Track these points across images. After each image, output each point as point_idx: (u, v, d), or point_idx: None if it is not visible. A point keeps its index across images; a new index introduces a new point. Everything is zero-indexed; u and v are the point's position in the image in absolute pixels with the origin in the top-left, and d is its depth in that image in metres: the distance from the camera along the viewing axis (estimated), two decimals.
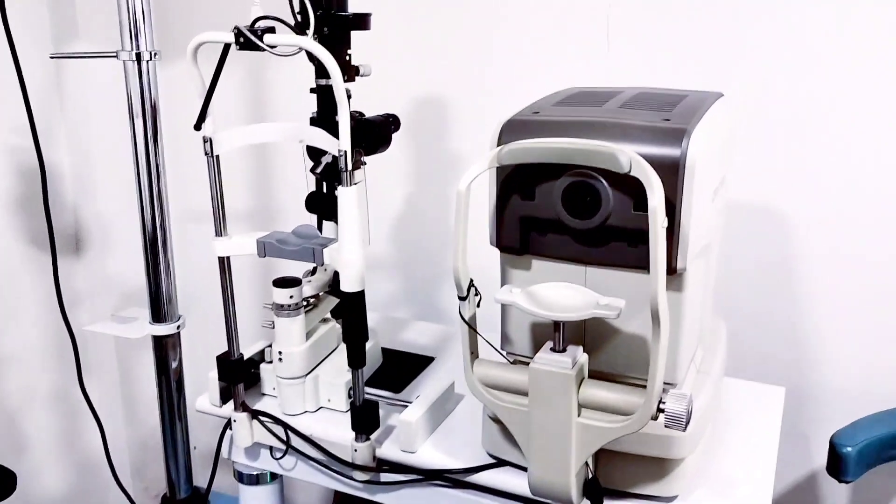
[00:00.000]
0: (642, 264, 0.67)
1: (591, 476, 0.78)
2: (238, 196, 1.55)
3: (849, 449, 1.05)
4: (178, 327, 1.11)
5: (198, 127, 0.86)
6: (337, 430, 0.95)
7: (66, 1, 1.45)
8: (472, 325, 0.78)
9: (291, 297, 0.95)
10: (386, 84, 1.29)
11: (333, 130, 0.81)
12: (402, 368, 1.11)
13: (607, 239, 0.73)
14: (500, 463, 0.87)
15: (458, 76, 1.29)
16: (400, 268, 1.45)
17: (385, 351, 1.14)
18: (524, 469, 0.79)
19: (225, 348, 0.96)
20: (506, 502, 0.87)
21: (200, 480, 1.21)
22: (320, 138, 0.86)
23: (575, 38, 1.19)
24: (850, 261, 1.11)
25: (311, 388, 0.98)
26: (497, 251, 0.80)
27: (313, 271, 1.04)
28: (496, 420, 0.84)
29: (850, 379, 1.16)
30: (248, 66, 1.45)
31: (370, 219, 1.04)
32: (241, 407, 0.97)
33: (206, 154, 0.87)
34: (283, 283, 0.95)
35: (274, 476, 1.05)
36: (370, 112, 0.99)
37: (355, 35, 0.94)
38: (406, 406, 0.94)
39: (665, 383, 0.74)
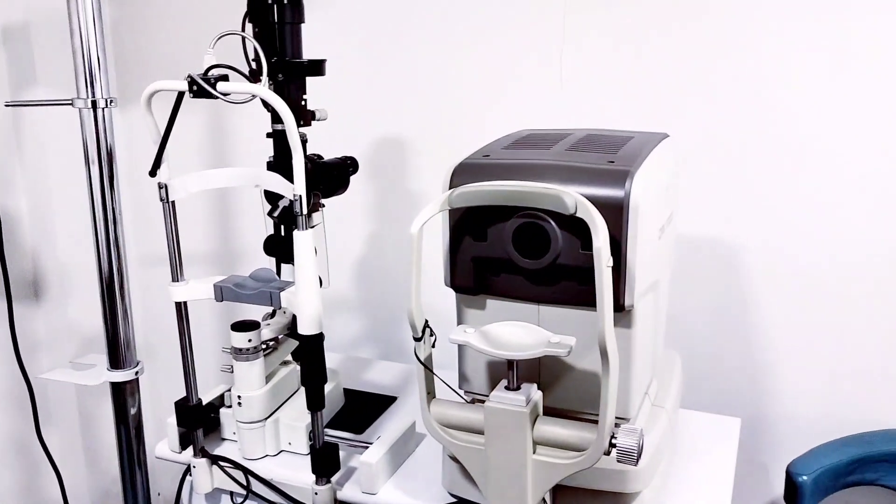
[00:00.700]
0: (592, 302, 0.69)
1: None
2: (202, 238, 1.55)
3: (804, 477, 1.07)
4: (137, 373, 1.10)
5: (153, 173, 0.87)
6: (298, 474, 0.94)
7: (24, 48, 1.45)
8: (427, 366, 0.78)
9: (250, 340, 0.95)
10: (349, 126, 1.31)
11: (289, 175, 0.82)
12: (364, 409, 1.11)
13: (558, 278, 0.75)
14: (460, 502, 0.88)
15: (419, 118, 1.31)
16: (363, 308, 1.45)
17: (347, 391, 1.15)
18: None
19: None
20: None
21: None
22: (276, 183, 0.87)
23: (530, 79, 1.22)
24: (803, 292, 1.14)
25: (271, 432, 0.98)
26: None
27: (273, 314, 1.04)
28: (455, 459, 0.85)
29: (806, 408, 1.19)
30: (211, 111, 1.46)
31: (330, 260, 1.04)
32: (201, 452, 0.97)
33: (161, 200, 0.88)
34: (242, 326, 0.95)
35: None
36: (331, 154, 1.00)
37: (314, 80, 0.96)
38: (367, 447, 0.94)
39: (618, 418, 0.76)
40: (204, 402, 0.99)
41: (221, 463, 0.97)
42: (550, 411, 0.79)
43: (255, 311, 1.01)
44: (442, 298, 0.85)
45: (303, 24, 0.94)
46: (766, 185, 1.13)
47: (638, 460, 0.71)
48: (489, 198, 0.72)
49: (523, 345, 0.73)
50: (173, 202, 0.89)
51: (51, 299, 1.58)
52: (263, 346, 0.98)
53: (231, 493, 0.99)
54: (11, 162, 1.48)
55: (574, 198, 0.68)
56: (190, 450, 0.98)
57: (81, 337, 1.59)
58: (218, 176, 0.91)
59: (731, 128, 1.13)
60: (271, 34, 0.91)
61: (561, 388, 0.80)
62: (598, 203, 0.69)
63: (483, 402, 0.76)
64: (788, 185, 1.12)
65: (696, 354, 1.20)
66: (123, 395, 1.10)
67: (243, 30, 0.90)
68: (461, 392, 0.85)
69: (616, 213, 0.70)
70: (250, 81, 0.85)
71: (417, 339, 0.77)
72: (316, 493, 0.90)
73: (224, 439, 1.03)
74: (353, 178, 1.03)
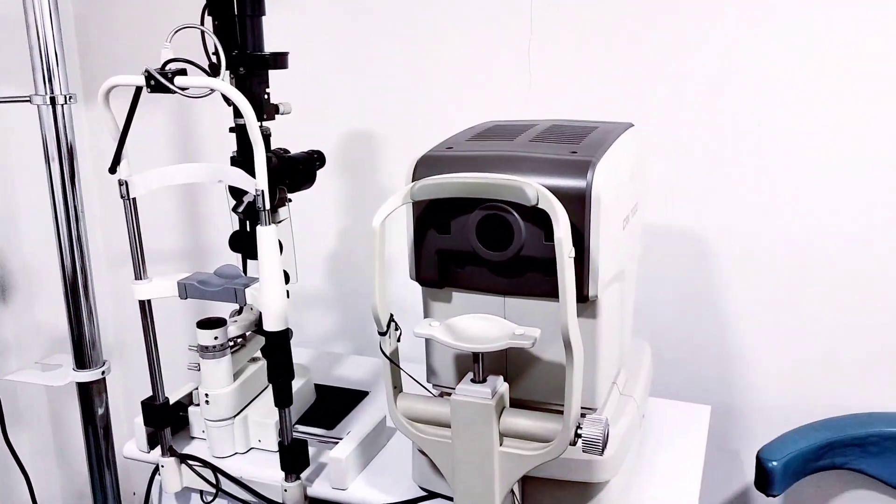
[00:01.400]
0: (557, 293, 0.69)
1: (517, 503, 0.78)
2: (173, 235, 1.53)
3: (774, 463, 1.08)
4: (103, 373, 1.08)
5: (112, 170, 0.86)
6: (267, 471, 0.94)
7: None
8: (393, 360, 0.78)
9: (216, 338, 0.94)
10: (319, 120, 1.30)
11: (253, 170, 0.81)
12: (335, 404, 1.11)
13: (522, 269, 0.75)
14: (430, 495, 0.88)
15: (388, 112, 1.30)
16: (335, 302, 1.45)
17: (318, 387, 1.14)
18: (453, 500, 0.79)
19: None
20: None
21: None
22: (239, 178, 0.86)
23: (499, 72, 1.21)
24: (771, 280, 1.15)
25: (240, 429, 0.97)
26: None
27: (240, 310, 1.03)
28: (425, 452, 0.85)
29: (776, 394, 1.20)
30: (178, 106, 1.44)
31: (299, 255, 1.04)
32: (169, 451, 0.96)
33: (121, 197, 0.87)
34: (208, 324, 0.94)
35: None
36: (301, 148, 0.99)
37: (284, 74, 0.95)
38: (338, 442, 0.94)
39: (585, 408, 0.76)
40: (173, 401, 0.98)
41: (190, 462, 0.96)
42: (518, 403, 0.79)
43: (225, 308, 1.00)
44: (411, 291, 0.84)
45: (264, 17, 0.93)
46: (734, 173, 1.13)
47: (603, 450, 0.71)
48: (451, 190, 0.72)
49: (488, 337, 0.72)
50: (134, 199, 0.88)
51: (18, 300, 1.56)
52: (231, 343, 0.97)
53: (201, 492, 0.98)
54: None
55: (535, 189, 0.68)
56: (158, 449, 0.96)
57: (50, 337, 1.57)
58: (180, 172, 0.90)
59: (700, 117, 1.13)
60: (232, 27, 0.89)
61: (528, 380, 0.80)
62: (561, 194, 0.69)
63: (451, 394, 0.76)
64: (757, 174, 1.12)
65: (665, 343, 1.21)
66: (90, 396, 1.09)
67: (202, 22, 0.89)
68: (430, 385, 0.85)
69: (578, 204, 0.70)
70: (209, 75, 0.84)
71: (382, 334, 0.77)
72: (286, 490, 0.90)
73: (193, 437, 1.02)
74: (324, 172, 1.02)
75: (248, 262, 1.00)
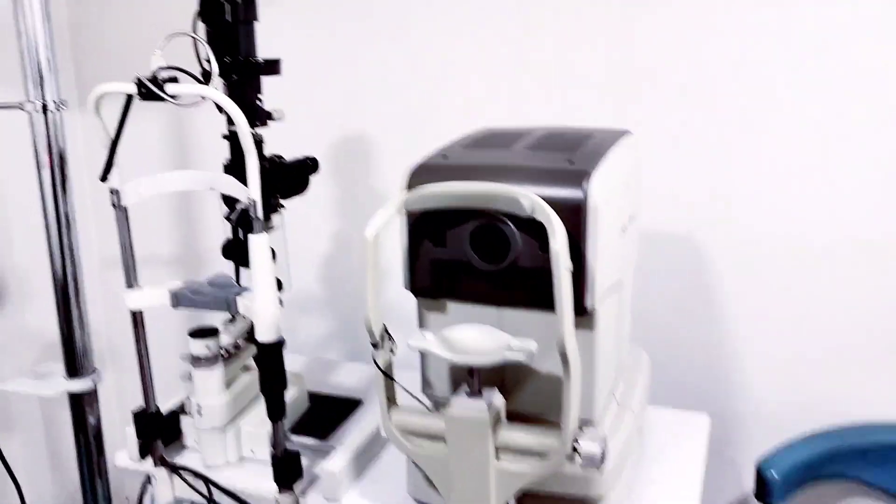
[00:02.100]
0: (553, 304, 0.68)
1: None
2: (165, 241, 1.52)
3: (774, 472, 1.07)
4: (95, 381, 1.07)
5: (104, 178, 0.84)
6: (260, 482, 0.92)
7: None
8: (386, 373, 0.77)
9: (208, 347, 0.93)
10: (313, 126, 1.29)
11: (245, 177, 0.80)
12: (329, 413, 1.09)
13: (518, 280, 0.73)
14: None
15: (382, 117, 1.29)
16: (329, 308, 1.43)
17: (312, 395, 1.12)
18: None
19: None
20: None
21: None
22: (231, 186, 0.84)
23: (493, 76, 1.20)
24: (770, 286, 1.14)
25: (232, 439, 0.96)
26: None
27: (232, 319, 1.02)
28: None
29: (776, 403, 1.18)
30: (172, 113, 1.43)
31: (294, 261, 1.02)
32: (160, 462, 0.94)
33: (113, 206, 0.85)
34: (200, 333, 0.93)
35: None
36: (295, 154, 0.98)
37: (277, 80, 0.93)
38: (331, 453, 0.92)
39: (583, 420, 0.74)
40: (165, 410, 0.97)
41: (182, 472, 0.94)
42: (514, 416, 0.78)
43: (216, 317, 0.99)
44: (407, 298, 0.83)
45: (257, 23, 0.91)
46: (729, 178, 1.12)
47: (602, 465, 0.69)
48: (445, 200, 0.71)
49: (483, 350, 0.71)
50: (126, 208, 0.86)
51: (10, 305, 1.54)
52: (223, 353, 0.96)
53: (192, 503, 0.97)
54: None
55: (531, 199, 0.67)
56: (150, 459, 0.95)
57: (42, 343, 1.56)
58: (172, 180, 0.89)
59: (695, 124, 1.12)
60: (224, 33, 0.88)
61: (525, 392, 0.78)
62: (557, 205, 0.68)
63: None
64: (751, 179, 1.11)
65: (663, 351, 1.19)
66: (82, 404, 1.07)
67: (194, 29, 0.87)
68: (424, 397, 0.84)
69: (575, 215, 0.69)
70: (199, 83, 0.83)
71: (376, 346, 0.76)
72: (278, 502, 0.88)
73: (186, 447, 1.01)
74: (318, 178, 1.01)
75: (242, 269, 0.99)
